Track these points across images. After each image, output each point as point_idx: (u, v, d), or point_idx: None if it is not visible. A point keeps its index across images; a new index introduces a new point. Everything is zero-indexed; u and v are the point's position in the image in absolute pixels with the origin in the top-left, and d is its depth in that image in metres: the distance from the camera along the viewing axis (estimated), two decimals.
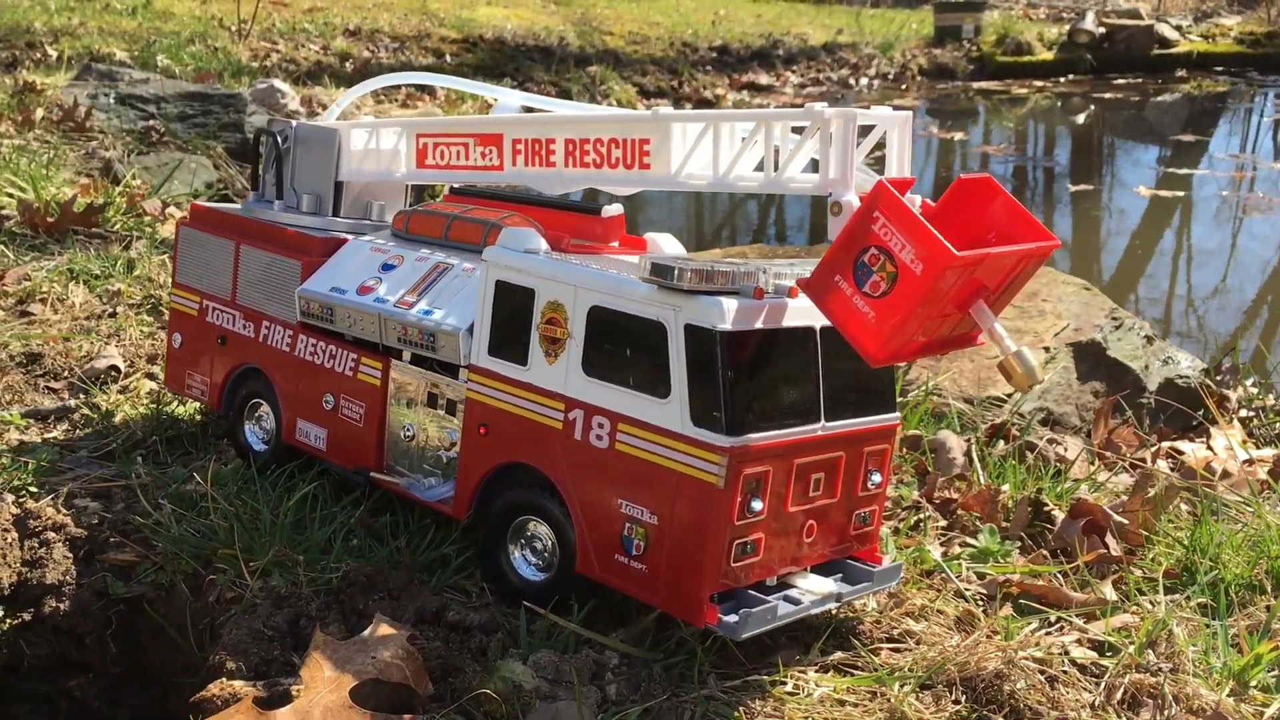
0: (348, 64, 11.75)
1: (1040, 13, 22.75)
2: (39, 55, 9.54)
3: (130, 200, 5.14)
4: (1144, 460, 3.28)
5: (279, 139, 2.81)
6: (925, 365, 3.57)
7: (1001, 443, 3.18)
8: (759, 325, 1.97)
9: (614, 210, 2.44)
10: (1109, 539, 2.61)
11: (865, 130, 2.08)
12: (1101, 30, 18.01)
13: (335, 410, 2.54)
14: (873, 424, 2.17)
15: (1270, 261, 8.34)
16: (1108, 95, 16.04)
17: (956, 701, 2.01)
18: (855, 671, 2.12)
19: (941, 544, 2.63)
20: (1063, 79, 17.36)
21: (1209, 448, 3.51)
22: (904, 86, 16.60)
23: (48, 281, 4.05)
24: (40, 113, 6.63)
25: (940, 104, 15.59)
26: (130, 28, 11.29)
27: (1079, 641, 2.24)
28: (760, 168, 2.14)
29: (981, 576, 2.48)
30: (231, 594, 2.26)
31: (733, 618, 1.97)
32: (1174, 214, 9.73)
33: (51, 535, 2.48)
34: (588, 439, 2.08)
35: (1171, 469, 3.27)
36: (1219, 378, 4.22)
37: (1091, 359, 3.76)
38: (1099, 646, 2.23)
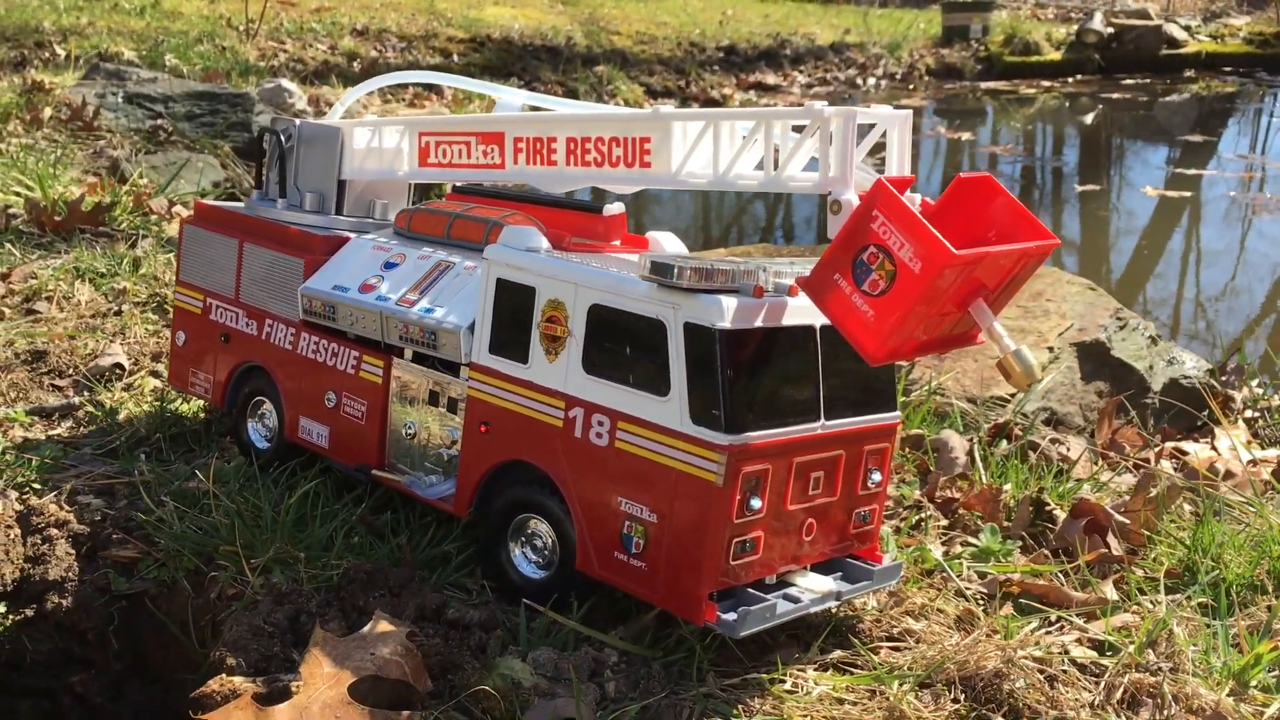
0: (355, 63, 11.77)
1: (1048, 13, 22.72)
2: (47, 55, 9.58)
3: (137, 199, 5.16)
4: (1147, 460, 3.27)
5: (282, 137, 2.82)
6: (929, 365, 3.56)
7: (1004, 442, 3.18)
8: (758, 324, 1.98)
9: (615, 209, 2.44)
10: (1110, 539, 2.60)
11: (866, 129, 2.09)
12: (1110, 30, 17.97)
13: (337, 408, 2.55)
14: (873, 423, 2.17)
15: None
16: (1116, 95, 16.01)
17: (955, 700, 2.01)
18: (854, 670, 2.12)
19: (943, 543, 2.62)
20: (1071, 79, 17.34)
21: (1213, 448, 3.50)
22: (911, 86, 16.59)
23: (54, 280, 4.06)
24: (48, 112, 6.66)
25: (948, 104, 15.57)
26: (138, 27, 11.33)
27: (1079, 641, 2.24)
28: (760, 166, 2.14)
29: (982, 576, 2.48)
30: (233, 591, 2.27)
31: (731, 616, 1.97)
32: (1182, 214, 9.71)
33: (54, 532, 2.49)
34: (588, 437, 2.09)
35: (1175, 469, 3.27)
36: (1224, 378, 4.21)
37: (1095, 359, 3.75)
38: (1099, 646, 2.22)
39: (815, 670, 2.10)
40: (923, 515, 2.74)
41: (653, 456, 2.00)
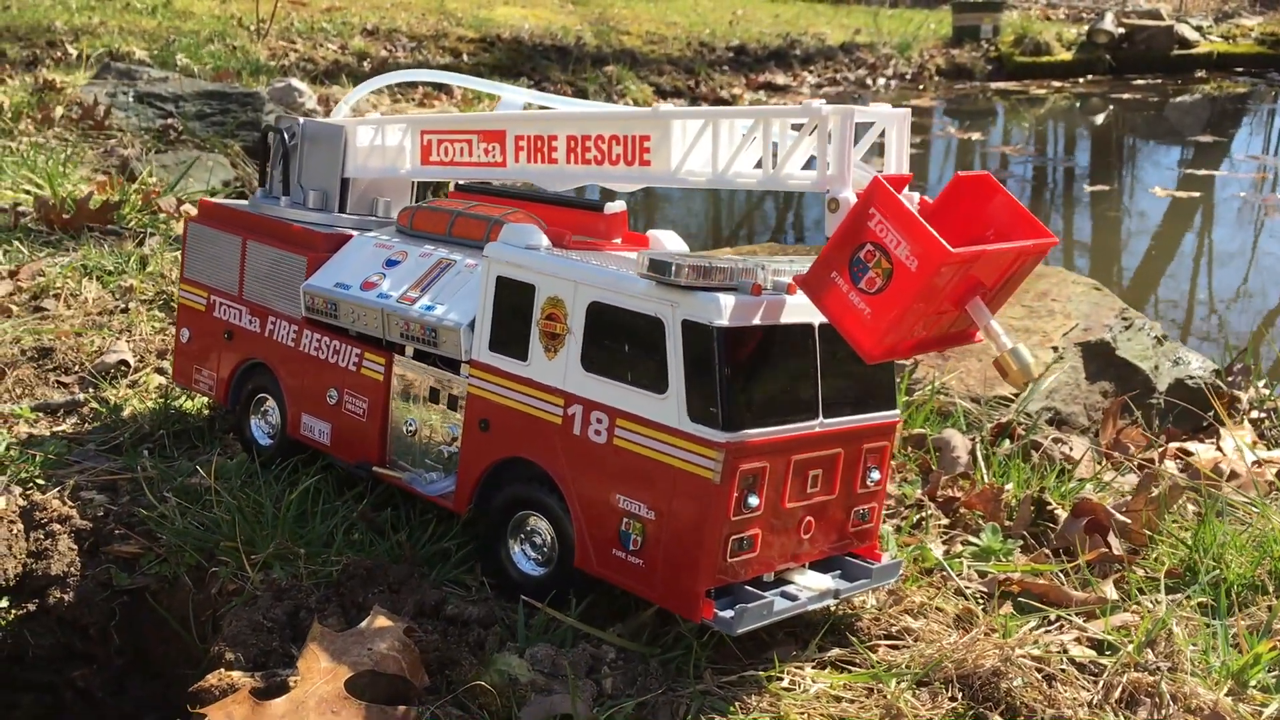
0: (365, 63, 11.79)
1: (1060, 13, 22.66)
2: (59, 54, 9.62)
3: (146, 197, 5.18)
4: (1151, 461, 3.27)
5: (286, 136, 2.83)
6: (932, 364, 3.56)
7: (1007, 442, 3.17)
8: (756, 321, 1.98)
9: (616, 207, 2.45)
10: (1111, 538, 2.60)
11: (865, 128, 2.09)
12: (1121, 31, 17.92)
13: (339, 405, 2.56)
14: (872, 421, 2.17)
15: None
16: (1126, 96, 15.96)
17: (953, 699, 2.01)
18: (852, 668, 2.12)
19: (944, 542, 2.62)
20: (1081, 79, 17.28)
21: (1218, 449, 3.49)
22: (921, 87, 16.56)
23: (61, 277, 4.08)
24: (60, 111, 6.69)
25: (958, 104, 15.55)
26: (150, 27, 11.37)
27: (1078, 640, 2.23)
28: (759, 165, 2.14)
29: (982, 575, 2.48)
30: (233, 586, 2.28)
31: (729, 613, 1.97)
32: (1191, 215, 9.68)
33: (57, 527, 2.50)
34: (586, 434, 2.09)
35: (1180, 470, 3.26)
36: (1230, 379, 4.20)
37: (1100, 359, 3.74)
38: (1098, 645, 2.22)
39: (813, 668, 2.10)
40: (924, 514, 2.73)
41: (651, 454, 2.00)
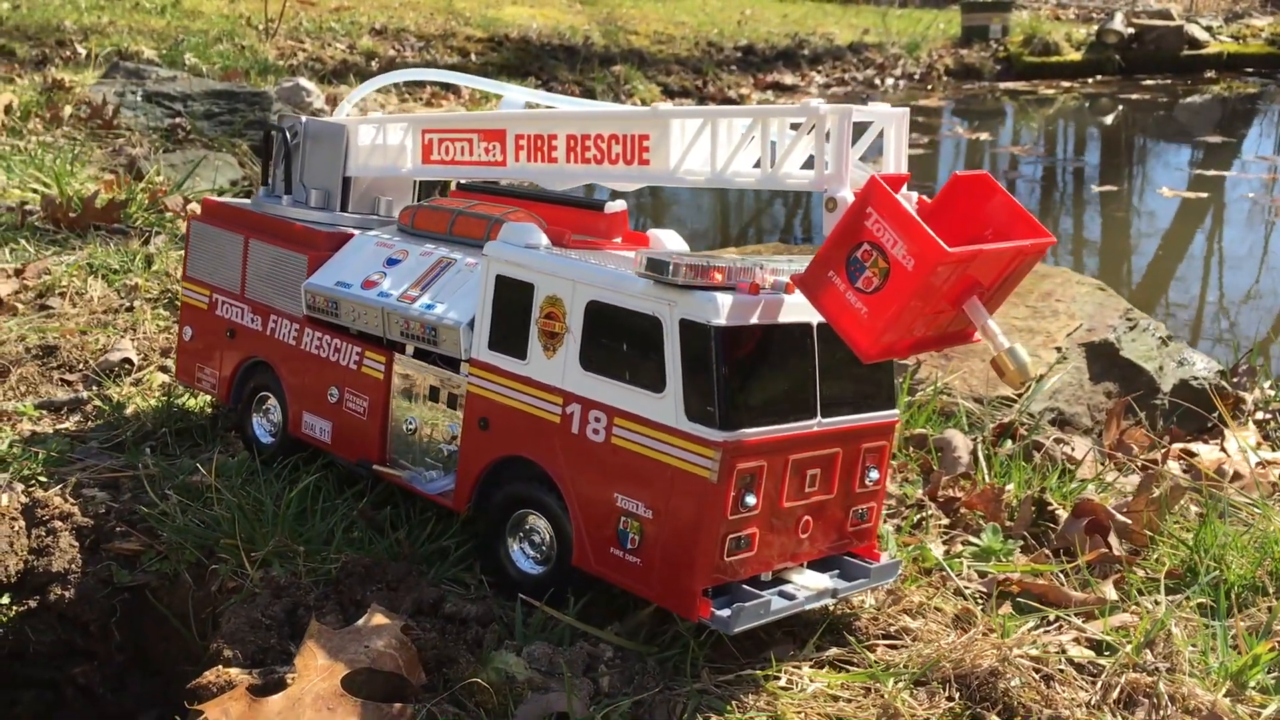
0: (373, 63, 11.81)
1: (1069, 13, 22.61)
2: (68, 53, 9.65)
3: (152, 196, 5.20)
4: (1155, 462, 3.26)
5: (288, 135, 2.84)
6: (935, 364, 3.56)
7: (1009, 442, 3.17)
8: (754, 321, 1.98)
9: (617, 206, 2.45)
10: (1111, 539, 2.59)
11: (864, 128, 2.09)
12: (1130, 31, 17.87)
13: (340, 403, 2.56)
14: (871, 420, 2.17)
15: None
16: (1136, 96, 15.92)
17: (950, 699, 2.01)
18: (850, 668, 2.12)
19: (944, 543, 2.62)
20: (1090, 80, 17.24)
21: (1222, 450, 3.48)
22: (930, 87, 16.53)
23: (67, 276, 4.09)
24: (68, 110, 6.71)
25: (967, 104, 15.52)
26: (159, 26, 11.41)
27: (1077, 641, 2.23)
28: (758, 164, 2.14)
29: (982, 575, 2.48)
30: (233, 584, 2.28)
31: (725, 612, 1.97)
32: (1201, 216, 9.65)
33: (58, 524, 2.51)
34: (585, 433, 2.09)
35: (1183, 471, 3.25)
36: (1235, 380, 4.18)
37: (1104, 359, 3.74)
38: (1097, 646, 2.22)
39: (810, 667, 2.10)
40: (924, 514, 2.73)
41: (648, 453, 2.00)
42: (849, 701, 2.01)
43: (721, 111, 2.17)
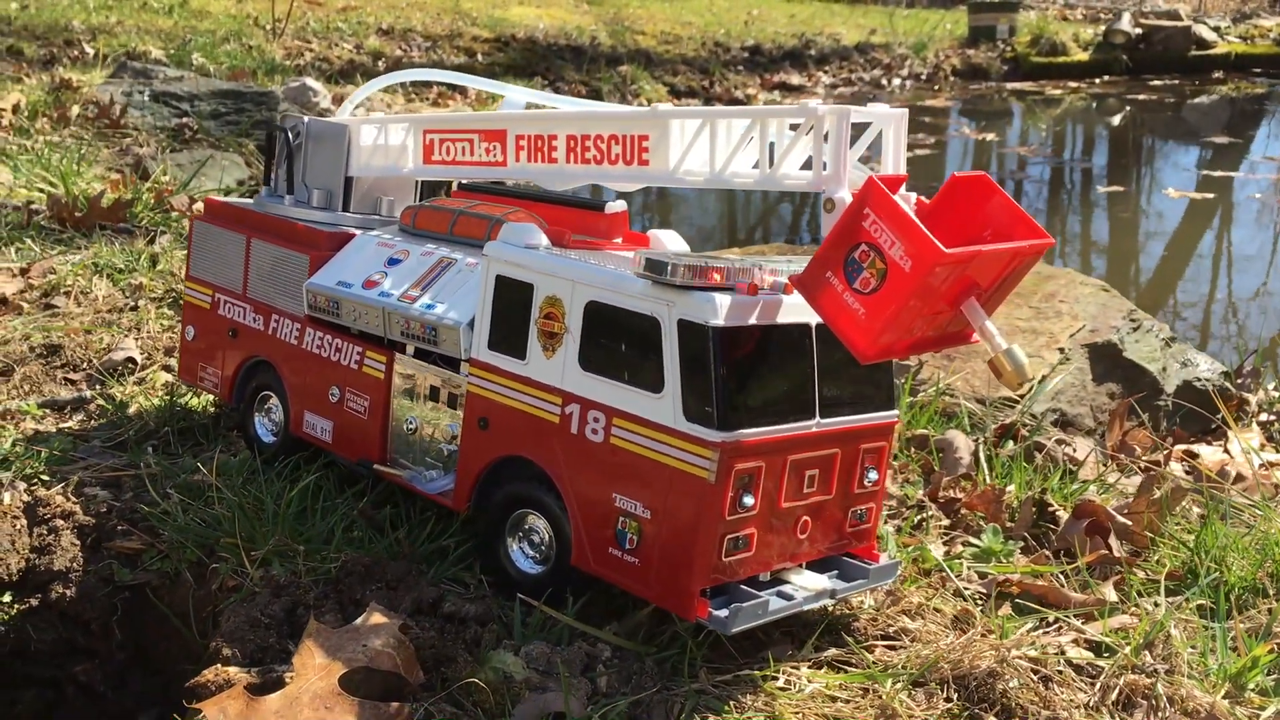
0: (380, 63, 11.83)
1: (1077, 13, 22.56)
2: (76, 53, 9.68)
3: (158, 196, 5.21)
4: (1158, 463, 3.25)
5: (290, 135, 2.84)
6: (937, 365, 3.55)
7: (1010, 443, 3.17)
8: (752, 321, 1.98)
9: (617, 206, 2.45)
10: (1112, 540, 2.59)
11: (862, 128, 2.09)
12: (1138, 31, 17.82)
13: (341, 403, 2.57)
14: (870, 421, 2.17)
15: None
16: (1143, 97, 15.88)
17: (948, 699, 2.01)
18: (848, 668, 2.12)
19: (944, 543, 2.62)
20: (1098, 80, 17.19)
21: (1226, 451, 3.48)
22: (937, 87, 16.51)
23: (72, 275, 4.11)
24: (76, 110, 6.73)
25: (974, 105, 15.49)
26: (166, 26, 11.43)
27: (1075, 642, 2.23)
28: (757, 165, 2.14)
29: (982, 576, 2.47)
30: (233, 582, 2.29)
31: (723, 612, 1.97)
32: (1209, 216, 9.62)
33: (60, 523, 2.52)
34: (584, 433, 2.09)
35: (1186, 472, 3.25)
36: (1240, 381, 4.17)
37: (1107, 360, 3.73)
38: (1096, 647, 2.22)
39: (808, 668, 2.10)
40: (925, 515, 2.73)
41: (647, 453, 2.01)
42: (847, 702, 2.01)
43: (720, 112, 2.17)
